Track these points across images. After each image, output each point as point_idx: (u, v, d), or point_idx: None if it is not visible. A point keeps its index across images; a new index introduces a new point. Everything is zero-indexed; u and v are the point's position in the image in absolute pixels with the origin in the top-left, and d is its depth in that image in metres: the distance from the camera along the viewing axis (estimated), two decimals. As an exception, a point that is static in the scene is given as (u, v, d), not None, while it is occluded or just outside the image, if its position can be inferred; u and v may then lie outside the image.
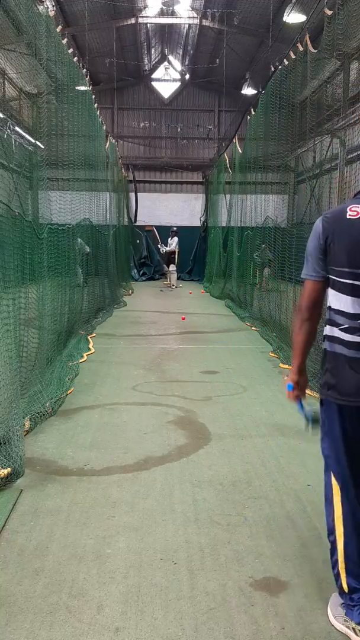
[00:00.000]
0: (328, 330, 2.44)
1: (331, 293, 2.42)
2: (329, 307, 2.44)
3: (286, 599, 2.66)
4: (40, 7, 6.46)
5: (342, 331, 2.38)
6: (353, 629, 2.39)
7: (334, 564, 2.49)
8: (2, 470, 3.73)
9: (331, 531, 2.49)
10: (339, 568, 2.46)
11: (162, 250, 21.36)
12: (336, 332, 2.40)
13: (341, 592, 2.48)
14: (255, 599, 2.65)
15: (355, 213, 2.33)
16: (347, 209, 2.36)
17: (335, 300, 2.40)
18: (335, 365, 2.40)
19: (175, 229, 21.35)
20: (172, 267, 20.82)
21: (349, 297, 2.35)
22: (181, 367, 7.52)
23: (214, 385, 6.60)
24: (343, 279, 2.35)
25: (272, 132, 10.33)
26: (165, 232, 21.99)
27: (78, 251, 9.53)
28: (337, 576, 2.48)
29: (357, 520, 2.43)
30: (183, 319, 12.15)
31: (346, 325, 2.36)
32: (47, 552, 3.02)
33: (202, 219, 24.73)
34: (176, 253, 20.82)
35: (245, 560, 2.96)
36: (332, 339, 2.42)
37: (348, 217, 2.35)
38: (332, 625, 2.47)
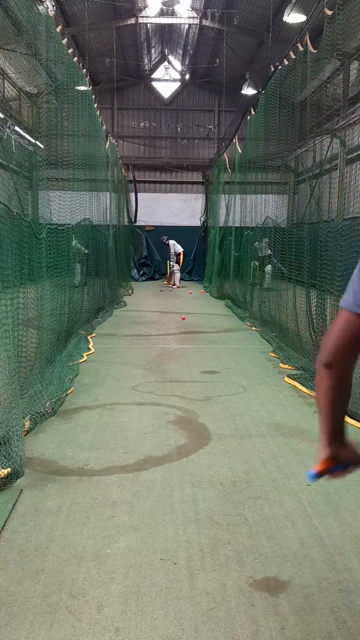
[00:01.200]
0: None
1: None
2: None
3: (286, 599, 2.66)
4: (40, 7, 6.46)
5: None
6: None
7: None
8: (2, 470, 3.73)
9: None
10: None
11: (172, 263, 21.32)
12: None
13: None
14: (255, 599, 2.65)
15: None
16: None
17: None
18: None
19: (164, 238, 21.35)
20: (176, 267, 20.83)
21: None
22: (181, 367, 7.52)
23: (214, 385, 6.60)
24: None
25: (272, 132, 10.32)
26: (164, 232, 22.03)
27: (75, 252, 9.42)
28: None
29: None
30: (183, 319, 12.15)
31: None
32: (47, 552, 3.02)
33: (202, 219, 24.74)
34: (182, 254, 20.91)
35: (245, 560, 2.96)
36: None
37: None
38: None
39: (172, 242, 20.83)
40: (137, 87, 25.52)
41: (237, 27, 19.00)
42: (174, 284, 20.69)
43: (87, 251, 10.74)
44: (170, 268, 21.26)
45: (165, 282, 21.73)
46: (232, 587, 2.74)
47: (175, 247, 20.89)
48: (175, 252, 20.81)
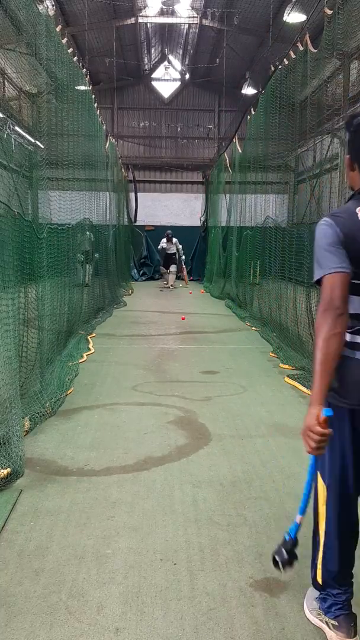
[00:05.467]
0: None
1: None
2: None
3: (286, 599, 2.66)
4: (40, 7, 6.46)
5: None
6: (326, 622, 2.43)
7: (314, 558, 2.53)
8: (2, 470, 3.73)
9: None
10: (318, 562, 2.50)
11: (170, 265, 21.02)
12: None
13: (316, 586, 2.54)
14: (256, 599, 2.65)
15: None
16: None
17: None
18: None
19: (169, 232, 21.08)
20: (173, 267, 20.79)
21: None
22: (181, 367, 7.52)
23: (214, 385, 6.60)
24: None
25: (272, 132, 10.33)
26: (165, 231, 21.95)
27: (87, 243, 9.13)
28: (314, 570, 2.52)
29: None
30: (183, 319, 12.14)
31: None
32: (47, 553, 3.02)
33: (202, 219, 24.73)
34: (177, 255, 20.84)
35: (245, 561, 2.96)
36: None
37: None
38: (307, 619, 2.52)
39: (175, 240, 20.65)
40: (137, 87, 25.51)
41: (237, 27, 18.99)
42: (172, 284, 20.61)
43: (88, 247, 10.54)
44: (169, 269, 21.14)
45: (167, 283, 21.65)
46: (232, 587, 2.74)
47: (179, 250, 20.79)
48: (178, 253, 20.72)
